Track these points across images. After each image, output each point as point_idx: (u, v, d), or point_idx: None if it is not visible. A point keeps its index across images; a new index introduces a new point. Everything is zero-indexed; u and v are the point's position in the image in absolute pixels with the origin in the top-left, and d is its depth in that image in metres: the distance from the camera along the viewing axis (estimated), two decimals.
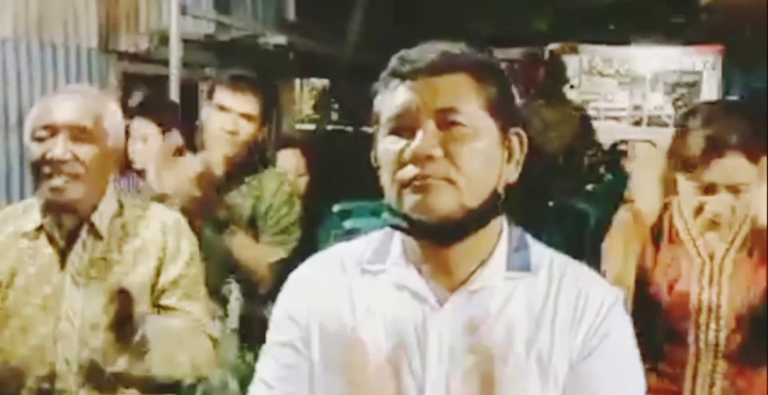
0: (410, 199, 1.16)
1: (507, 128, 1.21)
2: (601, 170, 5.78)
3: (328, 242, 3.56)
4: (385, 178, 1.20)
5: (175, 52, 4.74)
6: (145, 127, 3.18)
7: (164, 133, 3.51)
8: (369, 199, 5.98)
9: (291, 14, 7.05)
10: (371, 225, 5.81)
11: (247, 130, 2.58)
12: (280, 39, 6.12)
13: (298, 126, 7.66)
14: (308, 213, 3.44)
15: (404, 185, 1.16)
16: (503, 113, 1.20)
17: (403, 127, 1.17)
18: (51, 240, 1.87)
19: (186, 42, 5.09)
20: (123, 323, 1.67)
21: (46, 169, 1.80)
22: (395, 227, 1.23)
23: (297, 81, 7.80)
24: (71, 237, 1.87)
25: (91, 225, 1.87)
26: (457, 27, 8.96)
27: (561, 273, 1.24)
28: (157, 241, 1.89)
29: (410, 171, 1.15)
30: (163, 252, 1.89)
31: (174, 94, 4.54)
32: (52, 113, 1.82)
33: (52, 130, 1.81)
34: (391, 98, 1.19)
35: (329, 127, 8.26)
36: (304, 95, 8.85)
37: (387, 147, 1.19)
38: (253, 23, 6.26)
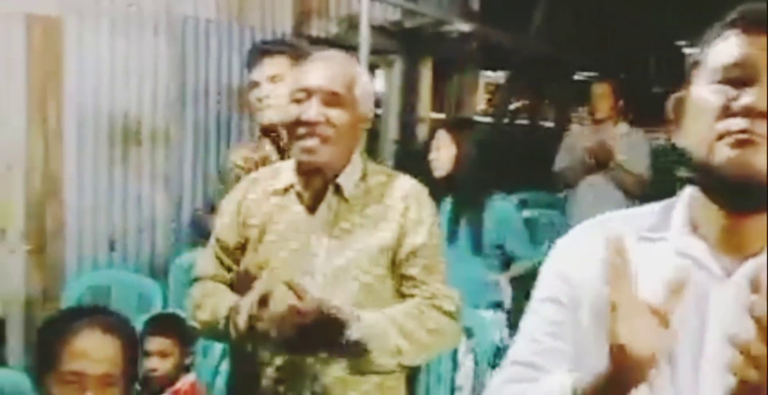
0: (726, 152, 1.10)
1: None
2: None
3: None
4: (697, 128, 1.15)
5: (364, 38, 4.86)
6: None
7: None
8: (535, 191, 5.94)
9: (476, 3, 7.06)
10: (546, 215, 5.68)
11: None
12: (465, 27, 6.15)
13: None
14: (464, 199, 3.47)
15: (722, 137, 1.11)
16: None
17: (735, 78, 1.13)
18: (300, 198, 1.95)
19: (373, 28, 5.21)
20: (329, 332, 1.74)
21: (301, 130, 1.88)
22: (692, 182, 1.18)
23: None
24: (318, 198, 1.94)
25: (337, 187, 1.93)
26: (642, 21, 8.68)
27: None
28: (398, 208, 1.92)
29: (736, 123, 1.10)
30: (404, 220, 1.91)
31: None
32: (308, 77, 1.91)
33: (308, 93, 1.89)
34: (726, 47, 1.15)
35: (505, 120, 8.21)
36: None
37: (708, 96, 1.15)
38: (438, 10, 6.31)
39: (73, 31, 3.99)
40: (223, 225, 2.02)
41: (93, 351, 1.78)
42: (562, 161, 4.81)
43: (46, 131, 3.82)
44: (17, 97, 3.73)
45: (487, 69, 8.69)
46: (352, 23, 5.37)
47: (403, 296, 1.93)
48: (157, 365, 2.67)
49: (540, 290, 1.31)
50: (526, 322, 1.31)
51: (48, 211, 3.80)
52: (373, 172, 2.00)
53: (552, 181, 4.98)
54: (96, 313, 1.92)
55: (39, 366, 1.85)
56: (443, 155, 3.52)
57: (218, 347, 3.09)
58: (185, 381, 2.74)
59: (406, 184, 1.99)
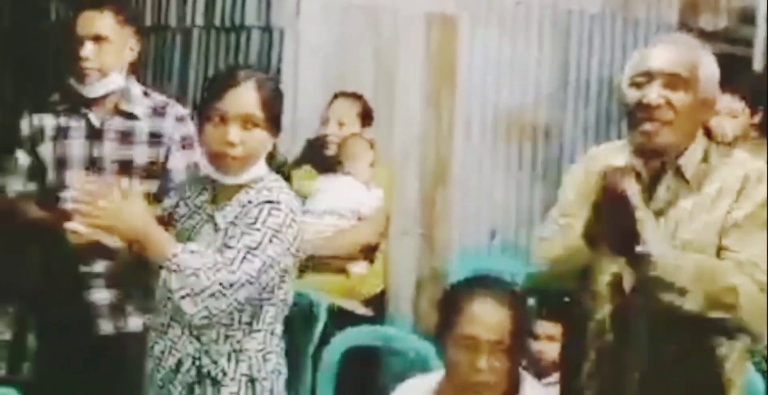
0: None
1: None
2: None
3: None
4: None
5: (761, 32, 4.56)
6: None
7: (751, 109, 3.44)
8: None
9: None
10: None
11: None
12: None
13: None
14: None
15: None
16: None
17: None
18: (638, 179, 1.92)
19: None
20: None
21: (641, 114, 1.88)
22: None
23: None
24: (656, 179, 1.93)
25: (677, 169, 1.92)
26: None
27: None
28: (735, 187, 1.88)
29: None
30: (737, 196, 1.88)
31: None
32: (649, 61, 1.90)
33: (649, 77, 1.88)
34: None
35: None
36: None
37: None
38: None
39: (466, 28, 4.21)
40: (567, 201, 2.06)
41: (487, 317, 1.91)
42: None
43: (439, 122, 4.08)
44: (416, 91, 4.03)
45: None
46: (745, 16, 5.05)
47: None
48: (545, 348, 2.73)
49: None
50: None
51: (438, 198, 4.06)
52: (716, 152, 1.96)
53: None
54: (493, 284, 2.05)
55: (439, 329, 2.01)
56: None
57: None
58: None
59: (748, 163, 1.93)
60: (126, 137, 2.59)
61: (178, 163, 2.60)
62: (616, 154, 2.02)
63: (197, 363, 1.92)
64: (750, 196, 1.89)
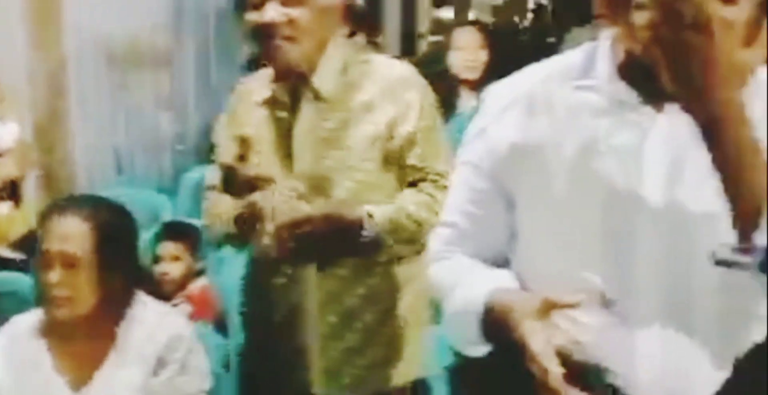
0: None
1: None
2: None
3: None
4: None
5: None
6: None
7: None
8: None
9: None
10: None
11: None
12: None
13: None
14: None
15: None
16: None
17: None
18: (283, 105, 1.91)
19: None
20: (344, 236, 1.76)
21: (264, 35, 1.81)
22: None
23: None
24: (299, 101, 1.89)
25: (313, 89, 1.87)
26: None
27: None
28: (384, 96, 1.86)
29: None
30: (392, 107, 1.85)
31: None
32: None
33: None
34: None
35: None
36: None
37: None
38: None
39: None
40: (221, 137, 2.00)
41: (58, 230, 1.79)
42: None
43: (48, 62, 3.89)
44: (18, 35, 3.79)
45: None
46: None
47: (411, 185, 1.89)
48: (169, 269, 2.78)
49: (462, 151, 1.31)
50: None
51: (56, 135, 3.90)
52: (356, 61, 1.92)
53: None
54: (77, 200, 1.95)
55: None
56: (474, 56, 3.40)
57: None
58: (196, 286, 2.83)
59: (390, 68, 1.91)
60: None
61: None
62: (261, 83, 1.94)
63: None
64: (408, 107, 1.84)
